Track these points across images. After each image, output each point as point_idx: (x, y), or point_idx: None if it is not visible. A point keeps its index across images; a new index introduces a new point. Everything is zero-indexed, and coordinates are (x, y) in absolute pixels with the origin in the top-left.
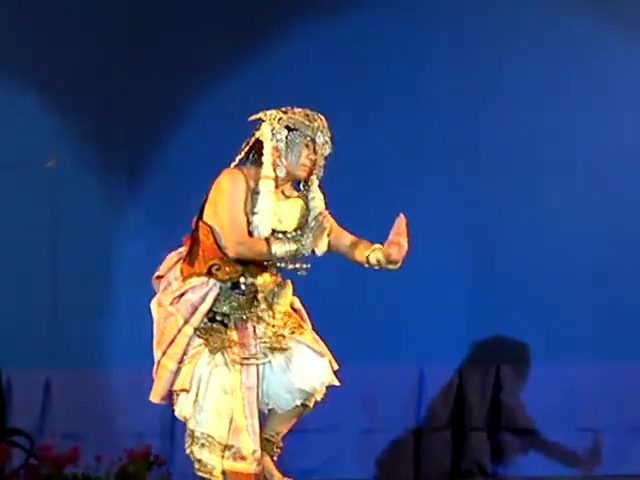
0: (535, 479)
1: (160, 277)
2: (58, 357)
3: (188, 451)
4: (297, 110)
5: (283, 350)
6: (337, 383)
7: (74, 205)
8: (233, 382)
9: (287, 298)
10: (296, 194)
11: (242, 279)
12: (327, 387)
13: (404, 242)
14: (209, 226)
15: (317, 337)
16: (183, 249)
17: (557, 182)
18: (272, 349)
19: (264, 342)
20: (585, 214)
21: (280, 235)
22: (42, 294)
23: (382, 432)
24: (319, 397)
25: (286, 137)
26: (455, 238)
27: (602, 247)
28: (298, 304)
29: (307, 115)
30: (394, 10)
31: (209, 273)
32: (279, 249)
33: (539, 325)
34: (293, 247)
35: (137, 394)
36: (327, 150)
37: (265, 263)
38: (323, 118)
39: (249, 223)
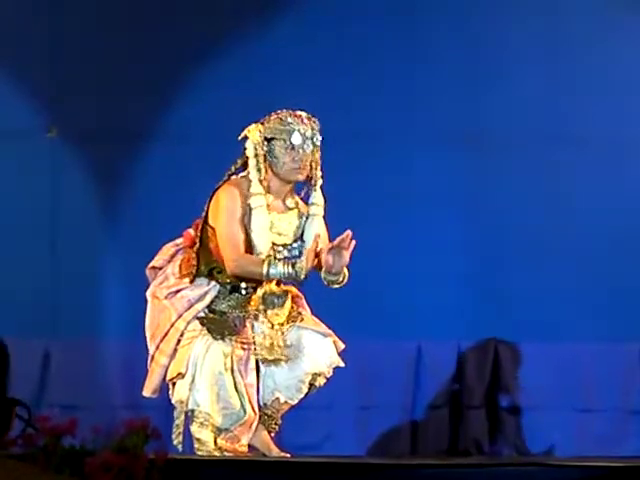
0: (532, 458)
1: (154, 267)
2: (57, 328)
3: (175, 436)
4: (273, 117)
5: (277, 362)
6: (342, 364)
7: (74, 173)
8: (230, 365)
9: (286, 309)
10: (296, 200)
11: (243, 284)
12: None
13: (346, 253)
14: (214, 229)
15: (318, 320)
16: (181, 241)
17: (560, 154)
18: (265, 361)
19: (259, 354)
20: (589, 189)
21: (280, 248)
22: (42, 263)
23: (379, 409)
24: (322, 381)
25: (268, 149)
26: (454, 214)
27: (605, 224)
28: (296, 291)
29: (281, 119)
30: None
31: (209, 275)
32: (272, 271)
33: (539, 303)
34: (288, 270)
35: (136, 366)
36: (309, 146)
37: None
38: (300, 114)
39: (249, 239)
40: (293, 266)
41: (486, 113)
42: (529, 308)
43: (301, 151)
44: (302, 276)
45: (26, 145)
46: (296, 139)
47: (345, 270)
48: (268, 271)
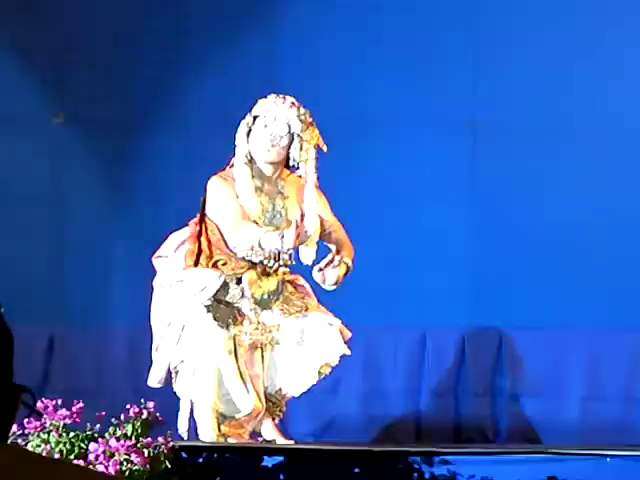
0: (536, 446)
1: (161, 257)
2: (63, 313)
3: (181, 425)
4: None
5: (272, 345)
6: (348, 352)
7: (80, 159)
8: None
9: (270, 284)
10: (291, 189)
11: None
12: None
13: (334, 270)
14: (214, 223)
15: (324, 308)
16: (186, 229)
17: (562, 142)
18: (259, 342)
19: (255, 337)
20: (591, 175)
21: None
22: (47, 248)
23: (384, 396)
24: (328, 370)
25: (252, 125)
26: (459, 201)
27: (608, 210)
28: (302, 280)
29: (267, 99)
30: None
31: (214, 267)
32: (265, 237)
33: (544, 291)
34: (279, 240)
35: (141, 352)
36: (285, 128)
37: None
38: (286, 98)
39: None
40: (282, 238)
41: (488, 101)
42: (534, 295)
43: (274, 131)
44: (286, 248)
45: (33, 130)
46: (270, 118)
47: (349, 263)
48: (262, 238)
